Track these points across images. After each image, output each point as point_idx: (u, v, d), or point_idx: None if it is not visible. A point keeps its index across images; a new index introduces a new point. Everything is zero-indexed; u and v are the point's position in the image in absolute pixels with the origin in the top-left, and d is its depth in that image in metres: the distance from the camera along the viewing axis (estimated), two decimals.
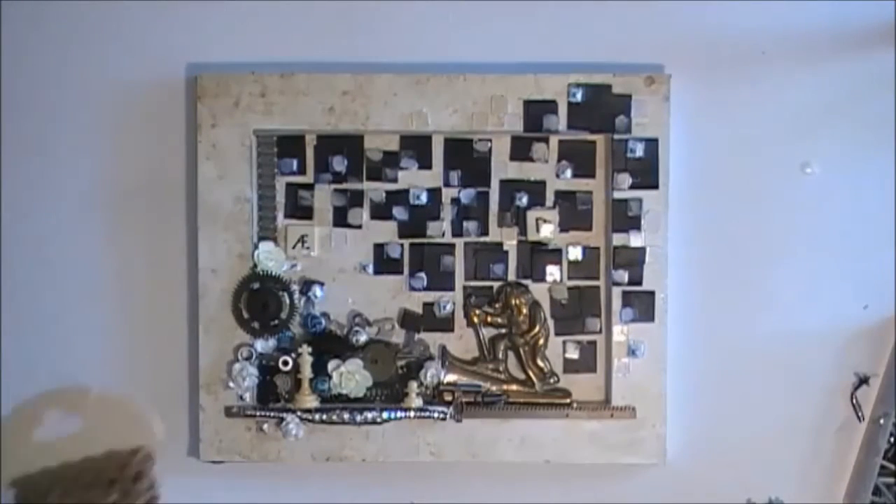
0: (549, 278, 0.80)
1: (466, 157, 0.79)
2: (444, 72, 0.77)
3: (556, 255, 0.79)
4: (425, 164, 0.79)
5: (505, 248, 0.80)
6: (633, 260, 0.78)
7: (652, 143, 0.77)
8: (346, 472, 0.81)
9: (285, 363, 0.77)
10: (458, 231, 0.79)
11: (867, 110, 0.79)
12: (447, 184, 0.79)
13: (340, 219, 0.79)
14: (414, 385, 0.77)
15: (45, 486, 0.51)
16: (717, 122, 0.79)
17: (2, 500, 0.66)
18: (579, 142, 0.79)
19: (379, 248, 0.79)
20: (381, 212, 0.79)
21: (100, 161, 0.80)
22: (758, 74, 0.79)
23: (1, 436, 0.52)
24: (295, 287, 0.78)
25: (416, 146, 0.79)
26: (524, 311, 0.79)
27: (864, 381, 0.80)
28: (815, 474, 0.81)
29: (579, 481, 0.81)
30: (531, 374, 0.79)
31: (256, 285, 0.77)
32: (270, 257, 0.78)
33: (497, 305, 0.79)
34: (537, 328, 0.79)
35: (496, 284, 0.79)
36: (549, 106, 0.77)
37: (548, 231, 0.79)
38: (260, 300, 0.77)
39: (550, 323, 0.79)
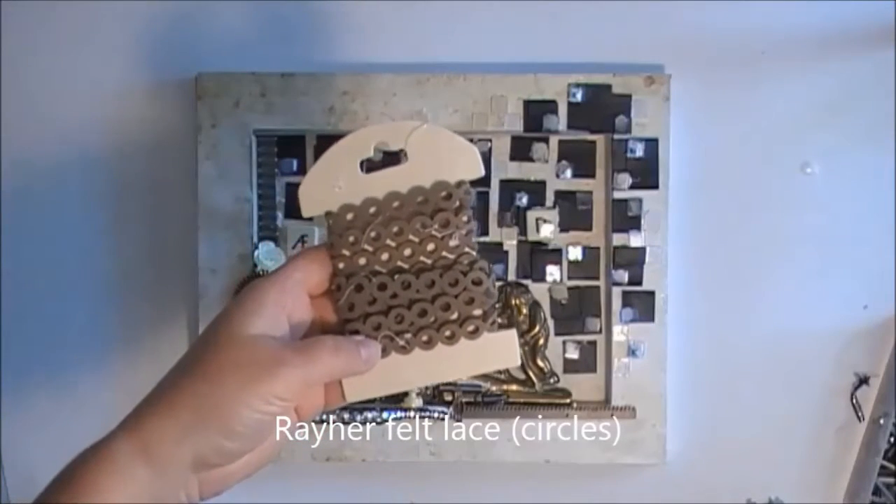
0: (549, 278, 0.80)
1: None
2: (444, 72, 0.77)
3: (556, 255, 0.79)
4: None
5: (505, 248, 0.80)
6: (633, 260, 0.78)
7: (652, 143, 0.77)
8: (346, 472, 0.81)
9: None
10: None
11: (867, 110, 0.79)
12: None
13: None
14: None
15: (366, 215, 0.50)
16: (717, 122, 0.79)
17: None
18: (579, 142, 0.79)
19: None
20: None
21: (99, 161, 0.80)
22: (758, 74, 0.79)
23: (323, 168, 0.51)
24: None
25: None
26: (524, 311, 0.79)
27: (864, 381, 0.80)
28: (815, 474, 0.81)
29: (579, 481, 0.81)
30: (531, 374, 0.79)
31: None
32: (270, 257, 0.78)
33: (497, 305, 0.79)
34: (537, 328, 0.79)
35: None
36: (549, 106, 0.77)
37: (548, 231, 0.79)
38: None
39: (550, 323, 0.79)
